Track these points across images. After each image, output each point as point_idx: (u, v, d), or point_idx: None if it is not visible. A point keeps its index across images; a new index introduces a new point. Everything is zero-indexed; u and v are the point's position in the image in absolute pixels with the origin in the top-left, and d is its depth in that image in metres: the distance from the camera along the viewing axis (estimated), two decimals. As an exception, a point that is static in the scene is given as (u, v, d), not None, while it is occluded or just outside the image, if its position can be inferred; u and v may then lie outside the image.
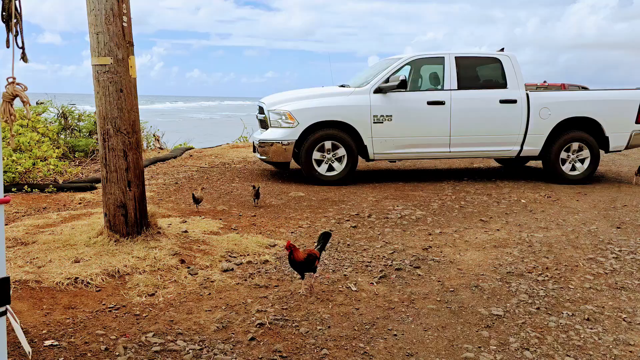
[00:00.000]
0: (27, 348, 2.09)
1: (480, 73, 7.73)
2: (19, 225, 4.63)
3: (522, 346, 2.80)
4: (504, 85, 7.43)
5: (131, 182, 4.11)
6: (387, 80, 7.17)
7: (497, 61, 7.53)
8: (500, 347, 2.79)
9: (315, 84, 8.72)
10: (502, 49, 7.79)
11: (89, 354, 2.59)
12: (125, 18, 4.11)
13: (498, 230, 5.03)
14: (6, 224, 4.72)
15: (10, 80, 1.71)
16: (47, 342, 2.68)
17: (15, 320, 1.91)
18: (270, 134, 7.17)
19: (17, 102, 2.49)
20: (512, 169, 8.79)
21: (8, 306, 1.35)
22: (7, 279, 1.24)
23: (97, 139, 9.18)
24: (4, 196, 1.25)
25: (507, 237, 4.79)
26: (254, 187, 5.92)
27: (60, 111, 9.71)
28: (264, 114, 7.45)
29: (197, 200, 5.54)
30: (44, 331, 2.80)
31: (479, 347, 2.78)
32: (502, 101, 7.32)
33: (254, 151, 7.77)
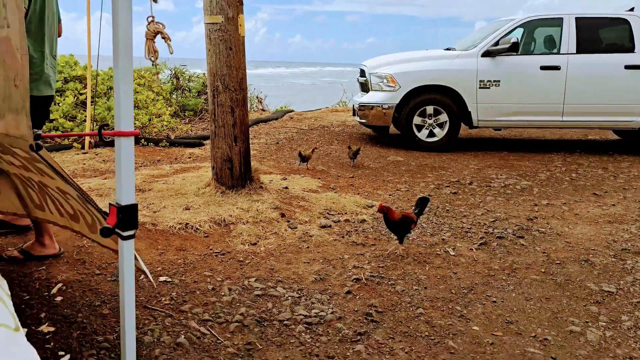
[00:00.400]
0: (150, 276, 2.29)
1: (603, 36, 7.06)
2: (137, 175, 5.03)
3: (636, 325, 2.60)
4: (630, 49, 6.74)
5: (237, 138, 4.28)
6: (496, 43, 6.78)
7: (624, 22, 6.83)
8: (610, 324, 2.61)
9: (418, 50, 8.45)
10: (632, 9, 7.04)
11: (197, 292, 2.78)
12: (236, -23, 4.21)
13: (614, 205, 4.66)
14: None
15: (150, 19, 1.82)
16: (162, 278, 2.92)
17: (137, 257, 2.09)
18: (371, 98, 7.11)
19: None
20: (634, 142, 8.03)
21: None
22: (135, 205, 1.36)
23: (205, 99, 9.66)
24: (133, 130, 1.35)
25: (624, 213, 4.42)
26: (349, 147, 5.95)
27: (173, 72, 10.29)
28: (365, 77, 7.38)
29: (304, 158, 5.65)
30: (158, 268, 3.05)
31: (587, 321, 2.63)
32: (627, 67, 6.66)
33: (354, 114, 7.76)
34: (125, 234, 1.35)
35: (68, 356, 2.13)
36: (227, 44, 4.20)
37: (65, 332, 2.33)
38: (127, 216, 1.33)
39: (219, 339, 2.34)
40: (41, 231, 3.03)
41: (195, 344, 2.30)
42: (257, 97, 11.73)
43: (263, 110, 11.22)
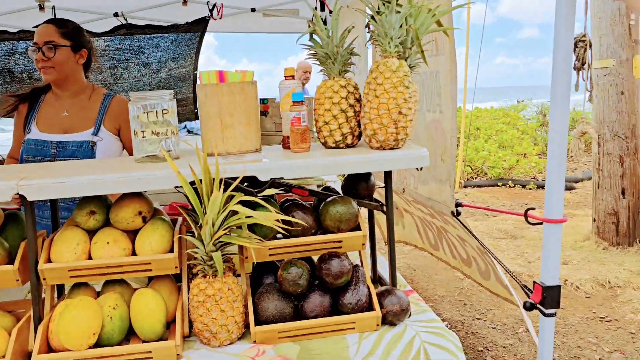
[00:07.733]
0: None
1: None
2: (507, 219, 5.13)
3: None
4: None
5: (625, 190, 3.90)
6: None
7: None
8: None
9: None
10: None
11: (582, 358, 2.65)
12: (633, 16, 3.89)
13: None
14: (495, 217, 5.32)
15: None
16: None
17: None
18: None
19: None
20: None
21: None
22: (559, 287, 1.43)
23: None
24: (562, 217, 1.42)
25: None
26: None
27: (540, 109, 10.09)
28: None
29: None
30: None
31: None
32: None
33: None
34: (547, 311, 1.43)
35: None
36: (618, 89, 3.90)
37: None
38: (551, 296, 1.41)
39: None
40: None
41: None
42: None
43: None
